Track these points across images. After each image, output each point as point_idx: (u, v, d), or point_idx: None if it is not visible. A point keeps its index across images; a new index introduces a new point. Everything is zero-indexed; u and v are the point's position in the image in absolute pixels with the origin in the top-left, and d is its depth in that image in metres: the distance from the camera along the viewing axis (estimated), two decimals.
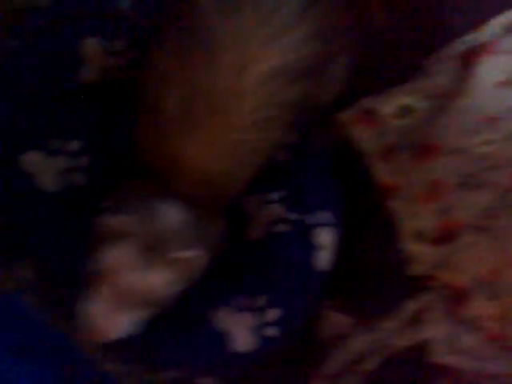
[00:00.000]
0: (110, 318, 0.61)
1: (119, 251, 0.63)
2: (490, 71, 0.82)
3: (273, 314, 0.84)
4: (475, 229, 0.85)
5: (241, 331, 0.85)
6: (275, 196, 0.86)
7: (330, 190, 0.88)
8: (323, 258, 0.85)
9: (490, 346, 0.87)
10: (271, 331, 0.84)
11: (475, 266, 0.85)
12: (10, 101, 0.82)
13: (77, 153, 0.85)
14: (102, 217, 0.66)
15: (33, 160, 0.83)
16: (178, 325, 0.82)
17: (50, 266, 0.84)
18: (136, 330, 0.66)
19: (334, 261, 0.86)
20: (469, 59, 0.84)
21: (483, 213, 0.84)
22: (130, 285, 0.63)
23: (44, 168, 0.84)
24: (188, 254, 0.66)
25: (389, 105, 0.87)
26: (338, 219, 0.86)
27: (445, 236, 0.86)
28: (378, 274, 0.92)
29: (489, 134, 0.82)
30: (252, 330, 0.84)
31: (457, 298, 0.87)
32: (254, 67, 0.62)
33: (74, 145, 0.85)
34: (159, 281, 0.65)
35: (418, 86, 0.86)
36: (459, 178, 0.84)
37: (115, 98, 0.87)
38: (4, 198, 0.85)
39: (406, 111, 0.87)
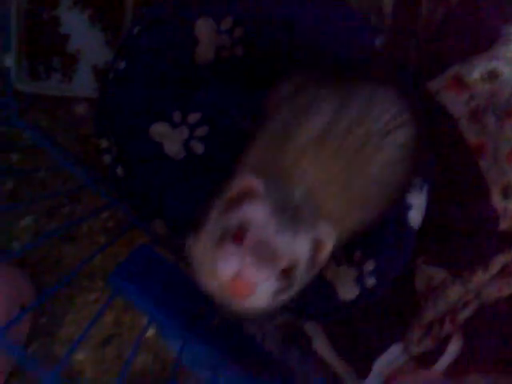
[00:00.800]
0: (252, 276, 0.55)
1: (256, 208, 0.60)
2: None
3: (369, 265, 0.90)
4: None
5: (343, 282, 0.91)
6: None
7: (423, 156, 0.86)
8: (415, 217, 0.89)
9: None
10: (369, 282, 0.90)
11: None
12: (140, 80, 0.87)
13: (196, 124, 0.89)
14: (239, 177, 0.66)
15: (160, 131, 0.88)
16: None
17: (178, 224, 0.86)
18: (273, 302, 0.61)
19: (428, 217, 0.89)
20: None
21: None
22: (267, 243, 0.57)
23: (170, 137, 0.88)
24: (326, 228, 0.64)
25: (475, 71, 0.89)
26: (429, 179, 0.88)
27: None
28: (469, 230, 0.94)
29: None
30: (352, 281, 0.90)
31: None
32: None
33: (194, 117, 0.89)
34: (297, 248, 0.60)
35: (501, 51, 0.88)
36: None
37: (230, 75, 0.90)
38: (137, 165, 0.89)
39: (491, 76, 0.89)
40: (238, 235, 0.58)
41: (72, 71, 1.05)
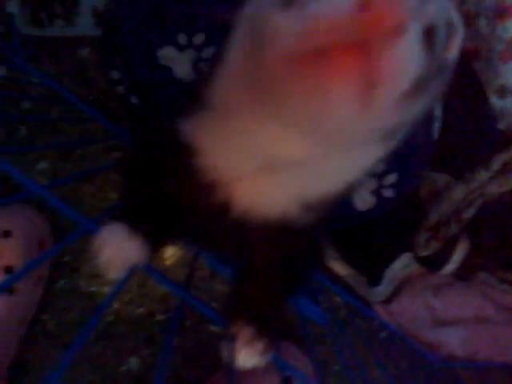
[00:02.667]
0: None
1: None
2: None
3: (391, 178, 0.91)
4: None
5: (362, 193, 0.93)
6: None
7: None
8: (437, 128, 0.90)
9: None
10: (388, 193, 0.92)
11: None
12: (140, 9, 0.87)
13: (202, 45, 0.88)
14: None
15: (168, 55, 0.87)
16: None
17: None
18: None
19: None
20: None
21: None
22: None
23: (178, 61, 0.88)
24: None
25: None
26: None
27: None
28: (469, 131, 0.98)
29: None
30: (372, 192, 0.93)
31: None
32: None
33: (199, 38, 0.88)
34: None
35: None
36: None
37: None
38: (151, 91, 0.88)
39: None
40: None
41: (73, 15, 1.07)
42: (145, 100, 0.90)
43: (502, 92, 0.93)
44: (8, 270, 0.92)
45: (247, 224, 0.54)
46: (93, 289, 1.12)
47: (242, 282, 0.65)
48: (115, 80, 0.92)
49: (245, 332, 0.59)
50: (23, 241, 0.96)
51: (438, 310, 1.15)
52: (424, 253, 1.07)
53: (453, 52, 0.36)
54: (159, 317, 1.13)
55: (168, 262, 1.12)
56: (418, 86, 0.31)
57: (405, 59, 0.28)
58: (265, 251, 0.59)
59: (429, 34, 0.30)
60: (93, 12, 1.08)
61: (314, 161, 0.43)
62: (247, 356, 0.58)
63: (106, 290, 1.12)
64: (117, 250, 0.56)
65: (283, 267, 0.60)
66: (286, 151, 0.42)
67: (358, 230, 1.04)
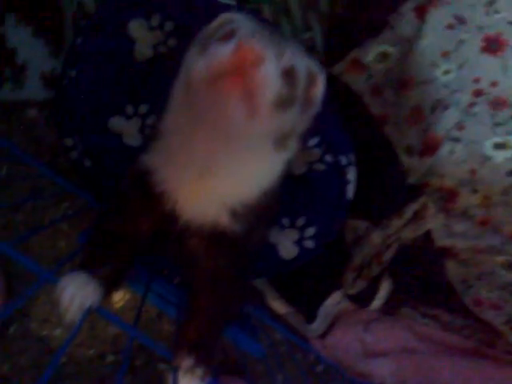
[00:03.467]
0: (256, 44, 0.48)
1: (243, 21, 0.56)
2: (438, 18, 0.97)
3: (310, 231, 1.03)
4: (450, 140, 0.99)
5: (286, 243, 1.04)
6: (313, 142, 0.99)
7: (348, 136, 1.02)
8: (351, 189, 1.02)
9: (480, 229, 1.04)
10: (308, 243, 1.04)
11: (456, 170, 1.01)
12: (91, 83, 0.97)
13: (146, 114, 1.00)
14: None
15: (117, 123, 0.99)
16: None
17: None
18: None
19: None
20: (422, 11, 0.99)
21: (454, 127, 0.99)
22: (263, 34, 0.51)
23: (126, 128, 0.99)
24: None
25: (370, 53, 1.04)
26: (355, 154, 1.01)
27: (428, 149, 1.01)
28: (384, 185, 1.10)
29: (446, 65, 0.96)
30: (295, 243, 1.04)
31: (447, 196, 1.04)
32: None
33: (144, 108, 1.00)
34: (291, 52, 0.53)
35: (388, 36, 1.03)
36: (432, 103, 0.99)
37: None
38: (103, 155, 0.99)
39: (383, 56, 1.04)
40: (227, 35, 0.52)
41: (22, 79, 1.16)
42: (97, 163, 1.00)
43: (410, 151, 1.05)
44: None
45: (189, 234, 0.70)
46: (44, 332, 1.17)
47: (185, 316, 0.76)
48: (69, 147, 1.01)
49: (186, 361, 0.69)
50: None
51: (369, 342, 1.25)
52: (352, 291, 1.18)
53: (317, 90, 0.60)
54: (110, 358, 1.19)
55: (117, 306, 1.20)
56: (284, 104, 0.52)
57: (264, 80, 0.48)
58: (203, 261, 0.73)
59: (289, 73, 0.52)
60: (40, 76, 1.16)
61: (232, 168, 0.63)
62: (189, 381, 0.69)
63: (58, 333, 1.17)
64: (76, 294, 0.66)
65: (221, 286, 0.73)
66: (212, 160, 0.62)
67: (294, 272, 1.12)
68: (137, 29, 0.97)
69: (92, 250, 0.75)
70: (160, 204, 0.69)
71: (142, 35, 0.97)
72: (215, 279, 0.73)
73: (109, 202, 0.83)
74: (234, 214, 0.68)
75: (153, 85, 1.00)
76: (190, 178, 0.65)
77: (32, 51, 1.17)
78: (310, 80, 0.58)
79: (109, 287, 0.72)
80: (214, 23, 0.60)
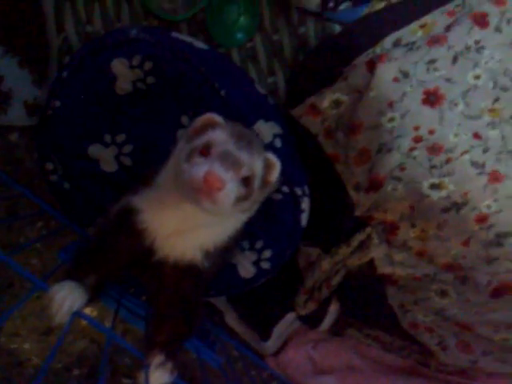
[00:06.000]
0: (221, 173, 0.67)
1: (218, 132, 0.76)
2: (386, 72, 1.05)
3: (267, 253, 1.13)
4: (393, 179, 1.05)
5: (244, 264, 1.14)
6: None
7: (303, 170, 1.12)
8: (304, 218, 1.12)
9: (417, 259, 1.12)
10: (265, 265, 1.14)
11: (397, 205, 1.08)
12: (74, 114, 1.05)
13: (123, 143, 1.09)
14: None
15: (96, 150, 1.08)
16: None
17: None
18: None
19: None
20: (372, 65, 1.07)
21: (396, 168, 1.04)
22: (230, 154, 0.71)
23: (103, 155, 1.08)
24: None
25: (325, 100, 1.13)
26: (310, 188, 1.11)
27: (373, 186, 1.08)
28: (334, 217, 1.19)
29: (391, 113, 1.03)
30: (253, 263, 1.14)
31: (389, 229, 1.12)
32: None
33: (121, 138, 1.09)
34: (253, 161, 0.75)
35: (341, 85, 1.11)
36: (377, 146, 1.05)
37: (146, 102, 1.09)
38: (81, 179, 1.08)
39: (336, 103, 1.13)
40: (204, 151, 0.73)
41: (6, 105, 1.24)
42: (75, 186, 1.09)
43: (357, 187, 1.14)
44: None
45: (163, 264, 0.86)
46: (14, 346, 1.21)
47: (153, 324, 0.89)
48: (49, 170, 1.09)
49: (157, 358, 0.81)
50: None
51: (317, 361, 1.35)
52: (303, 312, 1.28)
53: (274, 175, 0.82)
54: (75, 371, 1.24)
55: (84, 322, 1.26)
56: (242, 199, 0.74)
57: (223, 197, 0.68)
58: (170, 282, 0.88)
59: (246, 179, 0.74)
60: (23, 104, 1.24)
61: (208, 224, 0.83)
62: (159, 375, 0.81)
63: (27, 346, 1.21)
64: (66, 298, 0.78)
65: (185, 302, 0.88)
66: (193, 218, 0.80)
67: (251, 294, 1.22)
68: (119, 66, 1.05)
69: (77, 264, 0.88)
70: (140, 238, 0.85)
71: (123, 72, 1.05)
72: (180, 295, 0.88)
73: (94, 228, 1.01)
74: (206, 253, 0.86)
75: (130, 116, 1.09)
76: (174, 227, 0.83)
77: (17, 80, 1.25)
78: (268, 167, 0.80)
79: (92, 296, 0.85)
80: (198, 123, 0.81)
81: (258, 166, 0.77)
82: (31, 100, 1.27)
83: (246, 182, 0.74)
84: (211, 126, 0.78)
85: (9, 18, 1.26)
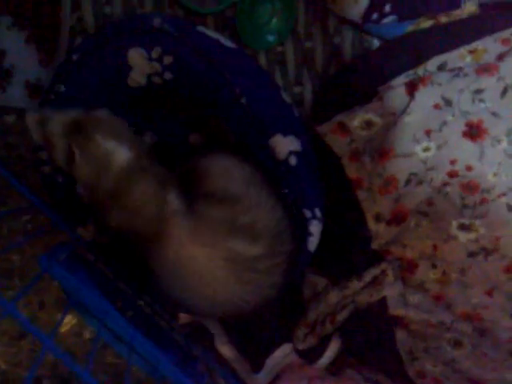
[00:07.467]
0: None
1: None
2: (427, 97, 0.99)
3: None
4: (418, 213, 1.00)
5: None
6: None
7: (319, 191, 1.05)
8: (313, 242, 1.04)
9: (433, 304, 1.05)
10: None
11: (419, 243, 1.02)
12: (78, 101, 0.97)
13: None
14: None
15: None
16: None
17: None
18: None
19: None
20: (412, 88, 1.02)
21: (424, 202, 0.99)
22: None
23: None
24: None
25: (355, 119, 1.06)
26: (323, 212, 1.04)
27: (396, 219, 1.03)
28: (347, 247, 1.11)
29: (427, 142, 0.98)
30: None
31: (406, 267, 1.05)
32: None
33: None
34: None
35: (376, 106, 1.05)
36: (407, 176, 1.00)
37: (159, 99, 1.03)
38: None
39: (367, 124, 1.06)
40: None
41: (6, 83, 1.13)
42: (68, 179, 1.00)
43: (378, 218, 1.06)
44: None
45: None
46: None
47: None
48: (43, 160, 1.00)
49: None
50: None
51: None
52: (301, 346, 1.18)
53: None
54: (45, 382, 1.15)
55: (62, 329, 1.16)
56: None
57: None
58: None
59: None
60: (25, 84, 1.14)
61: None
62: None
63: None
64: None
65: None
66: None
67: (247, 319, 1.15)
68: (136, 57, 0.96)
69: None
70: None
71: (140, 64, 0.97)
72: None
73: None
74: None
75: (138, 111, 1.02)
76: None
77: (21, 57, 1.16)
78: None
79: None
80: None
81: None
82: (34, 81, 1.17)
83: None
84: None
85: None
